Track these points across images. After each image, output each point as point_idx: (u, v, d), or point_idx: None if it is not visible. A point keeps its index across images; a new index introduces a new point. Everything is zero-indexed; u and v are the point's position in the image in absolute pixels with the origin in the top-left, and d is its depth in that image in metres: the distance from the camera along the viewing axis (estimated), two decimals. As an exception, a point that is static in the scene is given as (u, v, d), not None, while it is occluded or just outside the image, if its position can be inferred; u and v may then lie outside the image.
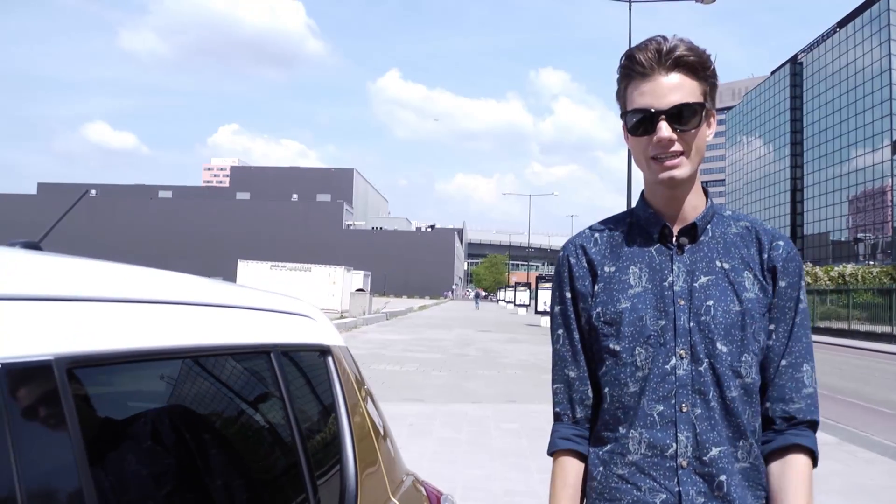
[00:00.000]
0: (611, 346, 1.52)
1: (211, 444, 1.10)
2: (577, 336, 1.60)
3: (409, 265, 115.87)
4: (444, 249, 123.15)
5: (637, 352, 1.49)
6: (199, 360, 1.07)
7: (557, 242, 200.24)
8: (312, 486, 1.31)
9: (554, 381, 1.64)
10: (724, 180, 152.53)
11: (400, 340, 21.39)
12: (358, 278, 49.48)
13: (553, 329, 1.65)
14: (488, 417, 9.06)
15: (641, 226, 1.58)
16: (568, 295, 1.61)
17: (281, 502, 1.25)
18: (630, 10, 24.09)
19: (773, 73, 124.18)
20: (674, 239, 1.54)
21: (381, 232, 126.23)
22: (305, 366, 1.50)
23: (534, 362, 16.59)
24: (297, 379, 1.41)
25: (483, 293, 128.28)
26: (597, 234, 1.63)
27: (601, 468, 1.53)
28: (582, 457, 1.58)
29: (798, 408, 1.50)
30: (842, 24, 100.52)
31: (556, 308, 1.64)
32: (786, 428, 1.51)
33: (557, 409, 1.62)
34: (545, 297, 35.06)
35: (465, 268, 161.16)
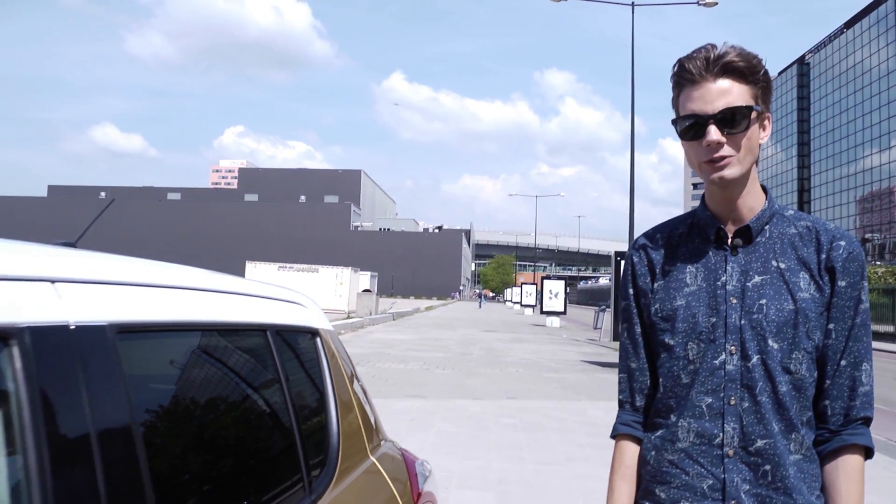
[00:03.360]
0: (666, 340, 1.62)
1: (218, 403, 1.39)
2: (638, 330, 1.71)
3: (417, 266, 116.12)
4: (451, 250, 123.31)
5: (689, 346, 1.58)
6: (208, 332, 1.36)
7: (564, 243, 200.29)
8: (301, 443, 1.60)
9: (619, 371, 1.76)
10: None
11: (405, 340, 21.66)
12: (365, 279, 49.76)
13: (620, 323, 1.76)
14: (487, 413, 9.32)
15: (700, 227, 1.66)
16: (631, 292, 1.72)
17: (273, 456, 1.55)
18: (633, 11, 24.30)
19: (780, 73, 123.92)
20: (729, 240, 1.61)
21: (389, 233, 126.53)
22: (297, 345, 1.78)
23: (535, 361, 16.85)
24: (288, 355, 1.70)
25: (490, 294, 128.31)
26: (658, 235, 1.73)
27: (653, 453, 1.63)
28: (640, 441, 1.69)
29: (855, 405, 1.56)
30: (849, 24, 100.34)
31: (623, 304, 1.75)
32: (842, 425, 1.57)
33: (621, 397, 1.74)
34: (550, 297, 35.29)
35: (473, 268, 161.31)
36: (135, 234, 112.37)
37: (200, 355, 1.36)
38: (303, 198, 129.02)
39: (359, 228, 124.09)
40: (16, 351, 0.87)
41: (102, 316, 1.02)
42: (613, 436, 1.74)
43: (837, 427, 1.56)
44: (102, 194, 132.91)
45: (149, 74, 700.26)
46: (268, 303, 1.65)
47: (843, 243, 1.56)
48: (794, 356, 1.51)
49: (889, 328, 30.87)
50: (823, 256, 1.56)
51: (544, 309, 35.54)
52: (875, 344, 28.62)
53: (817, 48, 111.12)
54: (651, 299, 1.67)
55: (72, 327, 0.96)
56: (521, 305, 56.81)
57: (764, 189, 1.63)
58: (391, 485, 2.00)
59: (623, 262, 1.64)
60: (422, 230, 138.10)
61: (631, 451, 1.69)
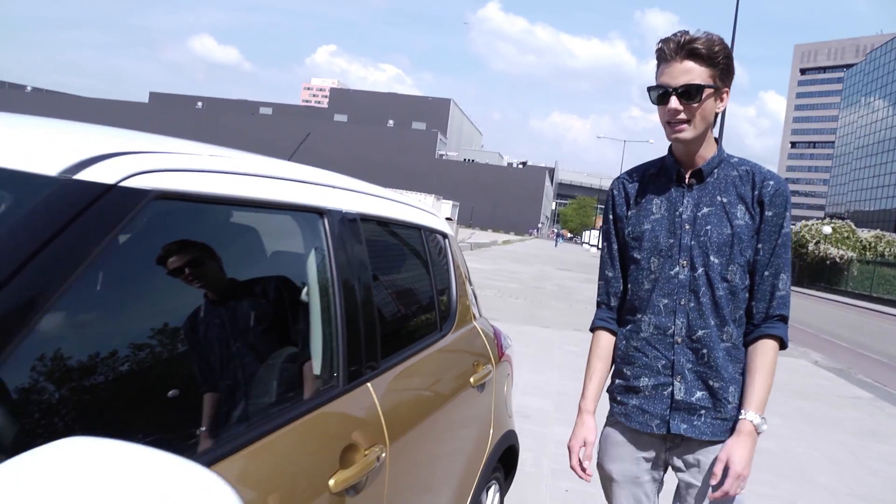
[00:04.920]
0: (634, 255, 2.04)
1: (399, 271, 2.28)
2: (615, 247, 2.14)
3: (498, 200, 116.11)
4: (533, 187, 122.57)
5: (652, 260, 2.00)
6: (396, 225, 2.24)
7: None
8: (437, 303, 2.50)
9: (599, 279, 2.20)
10: (832, 142, 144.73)
11: (482, 269, 22.48)
12: (447, 208, 50.62)
13: (601, 241, 2.20)
14: (553, 340, 10.17)
15: (666, 169, 2.05)
16: (611, 217, 2.14)
17: (424, 306, 2.44)
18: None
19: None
20: (686, 180, 2.00)
21: (473, 164, 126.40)
22: (436, 242, 2.65)
23: (605, 301, 17.53)
24: (432, 247, 2.56)
25: (568, 234, 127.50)
26: (635, 174, 2.13)
27: (623, 342, 2.09)
28: (612, 333, 2.14)
29: (773, 305, 1.97)
30: None
31: (604, 227, 2.19)
32: (763, 320, 1.97)
33: (599, 299, 2.19)
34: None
35: (553, 207, 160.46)
36: (227, 145, 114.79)
37: (390, 239, 2.25)
38: (391, 122, 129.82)
39: (444, 157, 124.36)
40: (326, 222, 1.74)
41: (356, 210, 1.89)
42: (592, 329, 2.19)
43: (759, 322, 1.98)
44: (199, 104, 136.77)
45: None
46: (421, 212, 2.53)
47: (771, 182, 1.96)
48: (730, 268, 1.95)
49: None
50: (756, 192, 1.96)
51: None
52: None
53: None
54: (625, 223, 2.09)
55: (348, 215, 1.83)
56: (598, 248, 56.74)
57: (716, 141, 2.02)
58: (485, 340, 2.89)
59: (607, 194, 2.20)
60: (506, 164, 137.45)
61: (605, 339, 2.15)
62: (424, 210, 2.59)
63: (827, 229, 47.25)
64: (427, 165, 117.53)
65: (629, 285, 2.08)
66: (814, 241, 46.43)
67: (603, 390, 2.15)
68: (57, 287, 0.99)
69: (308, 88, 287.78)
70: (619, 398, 2.10)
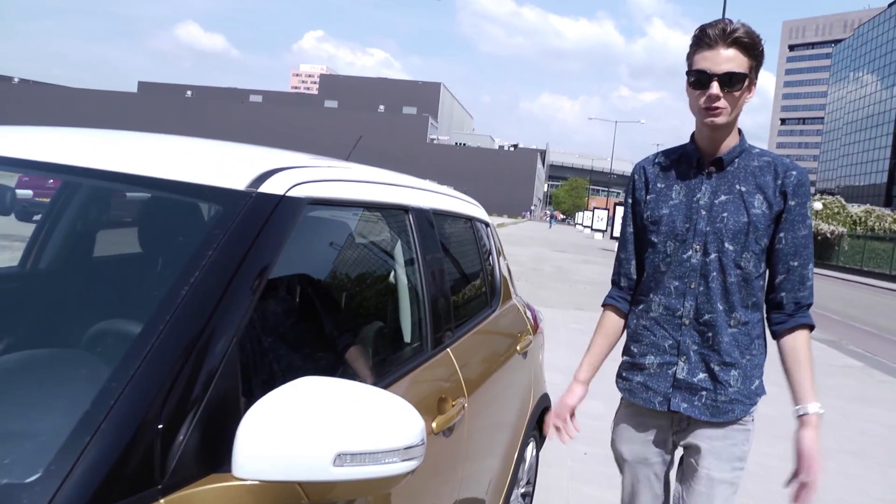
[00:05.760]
0: (652, 238, 2.07)
1: (457, 255, 2.66)
2: (630, 230, 2.18)
3: (490, 183, 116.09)
4: (525, 169, 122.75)
5: (668, 244, 2.03)
6: (450, 217, 2.62)
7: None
8: (487, 282, 2.88)
9: (615, 259, 2.26)
10: (822, 118, 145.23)
11: (480, 253, 22.84)
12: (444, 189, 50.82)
13: (621, 222, 2.25)
14: (558, 319, 10.58)
15: (687, 156, 2.06)
16: (630, 200, 2.18)
17: (476, 285, 2.83)
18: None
19: (890, 5, 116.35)
20: (706, 167, 2.01)
21: (465, 148, 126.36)
22: (482, 229, 3.03)
23: (603, 280, 17.90)
24: (479, 235, 2.95)
25: (560, 216, 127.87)
26: (656, 159, 2.14)
27: (634, 320, 2.14)
28: (619, 311, 2.21)
29: (803, 295, 2.02)
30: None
31: (624, 209, 2.24)
32: (794, 310, 2.02)
33: (613, 278, 2.26)
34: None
35: (546, 189, 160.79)
36: (217, 133, 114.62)
37: (451, 229, 2.63)
38: (381, 107, 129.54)
39: (435, 142, 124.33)
40: (411, 217, 2.11)
41: (429, 206, 2.27)
42: (602, 305, 2.28)
43: (792, 311, 2.03)
44: (189, 93, 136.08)
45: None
46: (470, 205, 2.91)
47: (794, 173, 1.99)
48: (744, 256, 1.97)
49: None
50: (779, 182, 1.97)
51: (615, 234, 36.09)
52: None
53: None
54: (644, 207, 2.12)
55: (425, 211, 2.20)
56: (592, 230, 57.01)
57: (739, 132, 2.03)
58: (524, 314, 3.30)
59: (629, 178, 2.24)
60: (497, 147, 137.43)
61: (612, 317, 2.23)
62: (472, 203, 2.97)
63: (818, 205, 47.76)
64: (419, 150, 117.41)
65: (646, 268, 2.12)
66: (804, 216, 46.75)
67: (600, 365, 2.26)
68: (267, 271, 1.36)
69: (297, 75, 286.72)
70: (624, 374, 2.17)
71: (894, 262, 36.03)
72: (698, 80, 1.91)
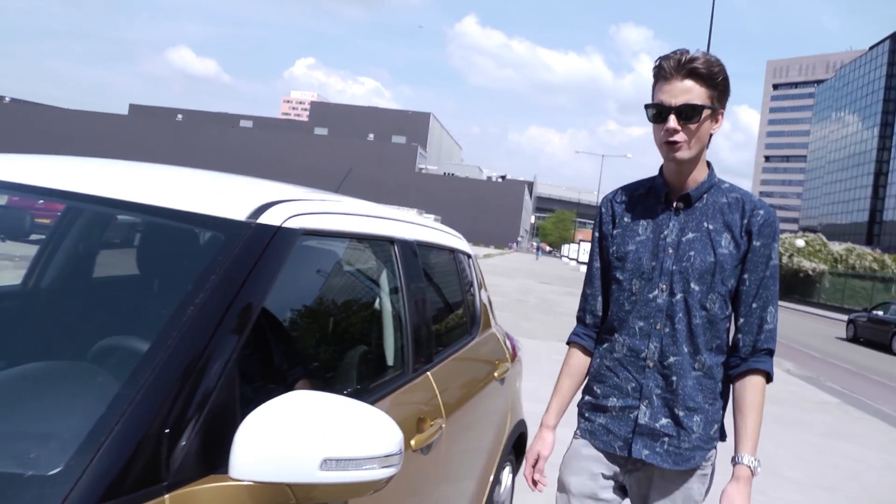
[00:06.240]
0: (617, 275, 2.00)
1: (441, 285, 2.80)
2: (597, 265, 2.11)
3: (478, 213, 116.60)
4: (513, 201, 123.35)
5: (633, 282, 1.96)
6: (435, 249, 2.77)
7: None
8: (467, 311, 3.03)
9: (581, 293, 2.18)
10: (805, 157, 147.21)
11: (466, 283, 22.97)
12: (429, 221, 50.99)
13: (588, 256, 2.16)
14: (541, 351, 10.67)
15: (655, 191, 1.99)
16: (597, 234, 2.11)
17: (458, 315, 2.97)
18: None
19: (871, 48, 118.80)
20: (674, 203, 1.95)
21: (453, 178, 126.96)
22: (463, 261, 3.19)
23: (587, 313, 18.10)
24: (461, 266, 3.10)
25: (547, 248, 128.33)
26: (623, 193, 2.08)
27: (598, 360, 2.07)
28: (584, 350, 2.12)
29: (761, 339, 1.92)
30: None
31: (591, 244, 2.16)
32: (750, 353, 1.92)
33: (578, 314, 2.18)
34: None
35: (533, 221, 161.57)
36: (209, 158, 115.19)
37: (433, 259, 2.78)
38: (371, 136, 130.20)
39: (423, 171, 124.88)
40: (396, 248, 2.25)
41: (413, 237, 2.42)
42: (567, 342, 2.20)
43: (746, 355, 1.94)
44: (179, 116, 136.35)
45: (225, 0, 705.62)
46: (452, 237, 3.06)
47: (761, 212, 1.91)
48: (710, 297, 1.90)
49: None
50: (745, 221, 1.91)
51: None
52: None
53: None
54: (610, 242, 2.05)
55: (410, 243, 2.35)
56: (577, 262, 57.30)
57: (709, 165, 1.96)
58: (502, 342, 3.44)
59: (596, 211, 2.16)
60: (485, 178, 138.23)
61: (577, 356, 2.14)
62: (454, 235, 3.12)
63: (800, 242, 48.35)
64: (408, 179, 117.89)
65: (611, 305, 2.05)
66: (787, 254, 47.48)
67: (567, 407, 2.16)
68: (264, 295, 1.50)
69: (288, 101, 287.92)
70: (587, 415, 2.09)
71: (874, 300, 36.43)
72: (657, 113, 1.86)
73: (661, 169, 2.00)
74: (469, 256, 3.30)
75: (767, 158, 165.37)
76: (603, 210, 2.10)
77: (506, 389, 3.20)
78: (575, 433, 2.14)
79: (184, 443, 1.21)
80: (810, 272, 45.80)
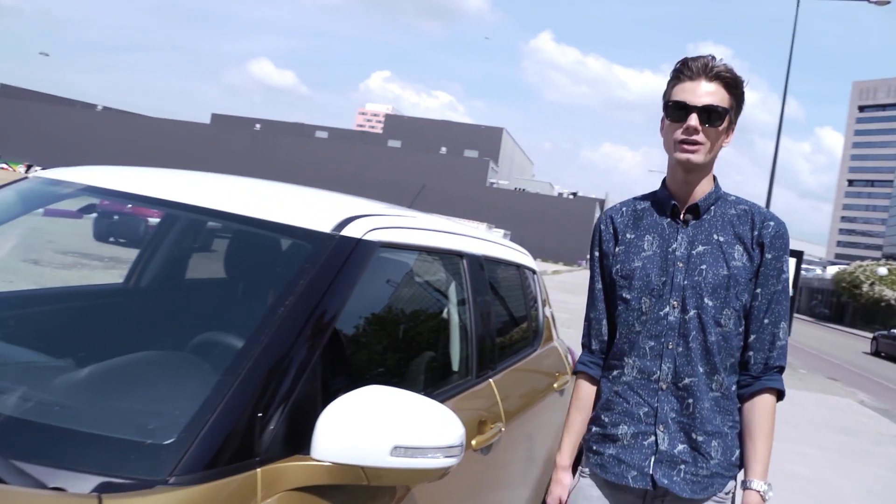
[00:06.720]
0: (624, 295, 1.89)
1: (508, 299, 2.96)
2: (599, 286, 1.99)
3: (547, 229, 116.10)
4: (583, 218, 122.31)
5: (643, 301, 1.85)
6: (503, 265, 2.92)
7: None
8: (531, 324, 3.17)
9: (584, 319, 2.06)
10: (892, 181, 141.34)
11: (533, 298, 22.99)
12: (497, 236, 51.12)
13: (589, 279, 2.06)
14: (605, 368, 10.71)
15: (659, 203, 1.92)
16: (596, 254, 2.00)
17: (522, 328, 3.11)
18: None
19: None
20: (681, 215, 1.87)
21: (524, 194, 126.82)
22: (529, 276, 3.33)
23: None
24: (526, 282, 3.25)
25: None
26: (624, 208, 1.98)
27: (606, 387, 1.93)
28: (592, 379, 1.99)
29: (773, 356, 1.84)
30: None
31: (590, 265, 2.05)
32: (761, 371, 1.84)
33: (583, 340, 2.06)
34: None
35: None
36: (284, 168, 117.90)
37: (500, 274, 2.93)
38: (444, 149, 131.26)
39: (494, 185, 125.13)
40: (465, 262, 2.41)
41: (482, 252, 2.57)
42: (574, 372, 2.09)
43: (758, 373, 1.85)
44: (258, 126, 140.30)
45: (306, 15, 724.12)
46: (519, 253, 3.22)
47: (772, 223, 1.84)
48: (724, 312, 1.80)
49: None
50: (756, 233, 1.83)
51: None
52: None
53: None
54: (613, 260, 1.93)
55: (478, 257, 2.51)
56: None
57: (714, 178, 1.90)
58: (563, 356, 3.56)
59: (593, 230, 2.06)
60: (556, 194, 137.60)
61: (585, 387, 2.01)
62: (520, 251, 3.27)
63: (882, 270, 46.63)
64: (478, 193, 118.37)
65: (618, 328, 1.93)
66: (868, 282, 45.80)
67: (580, 443, 2.04)
68: (344, 301, 1.68)
69: (363, 113, 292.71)
70: (595, 447, 1.94)
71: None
72: (677, 111, 1.80)
73: (663, 182, 1.94)
74: (534, 272, 3.44)
75: (851, 182, 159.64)
76: (602, 228, 2.00)
77: (565, 401, 3.31)
78: (581, 471, 2.00)
79: (273, 426, 1.39)
80: (892, 301, 44.03)
